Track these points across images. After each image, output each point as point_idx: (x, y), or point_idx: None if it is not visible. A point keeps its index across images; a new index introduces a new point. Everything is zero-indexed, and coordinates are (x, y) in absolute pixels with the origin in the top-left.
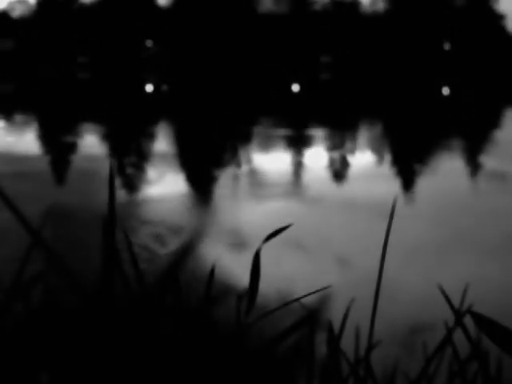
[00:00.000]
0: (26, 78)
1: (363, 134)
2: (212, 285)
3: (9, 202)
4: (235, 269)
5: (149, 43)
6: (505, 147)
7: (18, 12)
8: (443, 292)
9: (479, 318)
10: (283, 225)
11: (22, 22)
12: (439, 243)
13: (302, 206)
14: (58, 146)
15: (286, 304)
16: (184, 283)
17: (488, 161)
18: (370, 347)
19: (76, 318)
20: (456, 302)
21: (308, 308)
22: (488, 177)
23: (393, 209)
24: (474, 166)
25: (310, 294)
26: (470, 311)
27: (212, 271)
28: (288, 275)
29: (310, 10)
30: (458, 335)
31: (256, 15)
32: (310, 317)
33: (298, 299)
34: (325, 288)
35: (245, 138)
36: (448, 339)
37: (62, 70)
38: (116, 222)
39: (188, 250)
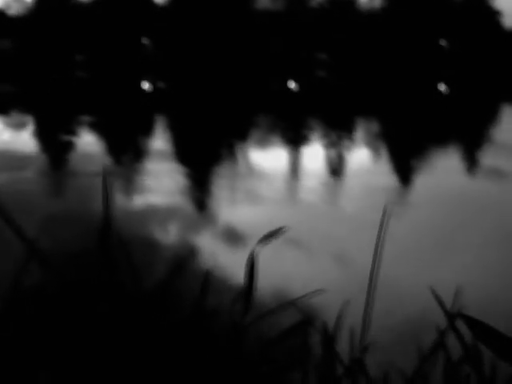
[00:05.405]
0: (23, 77)
1: (360, 131)
2: (206, 294)
3: (5, 216)
4: (231, 267)
5: (146, 41)
6: (502, 143)
7: (14, 10)
8: (435, 295)
9: (471, 322)
10: (279, 222)
11: (19, 20)
12: (436, 241)
13: (298, 203)
14: (56, 144)
15: (282, 306)
16: (182, 284)
17: (485, 157)
18: (364, 348)
19: (72, 321)
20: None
21: (303, 310)
22: (485, 173)
23: (384, 217)
24: (471, 162)
25: (305, 296)
26: (461, 314)
27: (206, 280)
28: (285, 273)
29: (306, 8)
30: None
31: (253, 12)
32: (305, 321)
33: (294, 301)
34: (320, 290)
35: (242, 135)
36: (440, 343)
37: (60, 68)
38: (111, 225)
39: (183, 262)
